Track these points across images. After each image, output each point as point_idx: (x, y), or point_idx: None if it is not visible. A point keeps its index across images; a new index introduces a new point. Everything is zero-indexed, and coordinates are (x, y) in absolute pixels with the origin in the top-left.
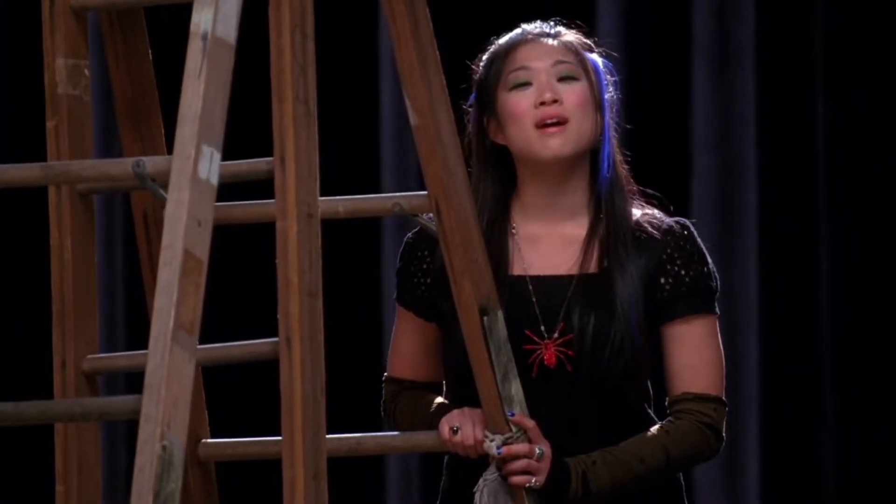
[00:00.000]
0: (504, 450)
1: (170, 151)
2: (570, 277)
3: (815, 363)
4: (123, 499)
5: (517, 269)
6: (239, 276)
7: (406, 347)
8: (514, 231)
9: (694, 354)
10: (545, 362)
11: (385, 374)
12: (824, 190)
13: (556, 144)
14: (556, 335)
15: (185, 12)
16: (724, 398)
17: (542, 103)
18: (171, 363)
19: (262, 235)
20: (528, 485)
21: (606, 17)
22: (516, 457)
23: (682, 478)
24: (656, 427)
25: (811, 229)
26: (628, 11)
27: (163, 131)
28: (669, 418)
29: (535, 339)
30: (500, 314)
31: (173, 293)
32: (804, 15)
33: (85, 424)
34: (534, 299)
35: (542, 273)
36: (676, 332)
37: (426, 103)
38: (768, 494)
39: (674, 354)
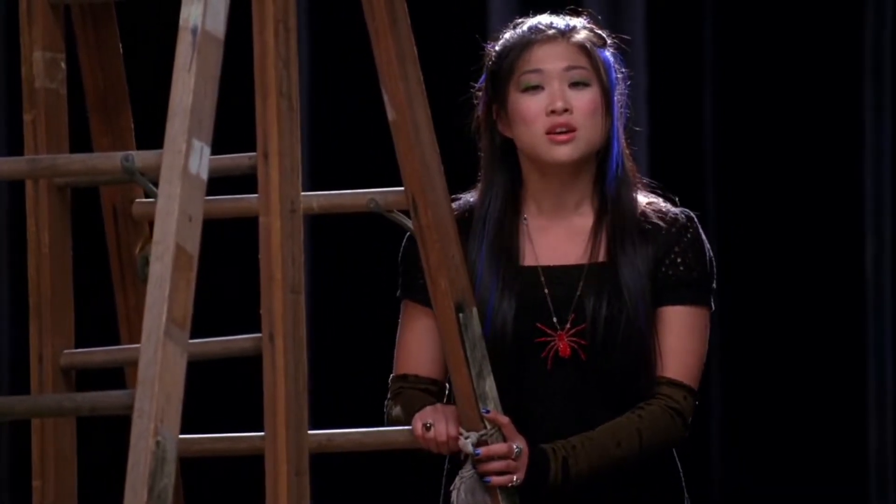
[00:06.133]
0: (483, 451)
1: (140, 146)
2: (580, 267)
3: None
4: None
5: (529, 260)
6: (220, 272)
7: (414, 342)
8: (525, 221)
9: (676, 340)
10: (560, 353)
11: (391, 374)
12: (712, 185)
13: (564, 153)
14: (567, 326)
15: (157, 7)
16: (695, 389)
17: (553, 111)
18: (163, 358)
19: (244, 231)
20: (509, 485)
21: (496, 14)
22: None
23: (680, 468)
24: (629, 411)
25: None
26: (520, 8)
27: (132, 125)
28: (641, 403)
29: (548, 331)
30: (475, 311)
31: (165, 288)
32: (694, 9)
33: (62, 419)
34: (546, 290)
35: (552, 263)
36: (664, 317)
37: (404, 99)
38: None
39: (658, 338)
